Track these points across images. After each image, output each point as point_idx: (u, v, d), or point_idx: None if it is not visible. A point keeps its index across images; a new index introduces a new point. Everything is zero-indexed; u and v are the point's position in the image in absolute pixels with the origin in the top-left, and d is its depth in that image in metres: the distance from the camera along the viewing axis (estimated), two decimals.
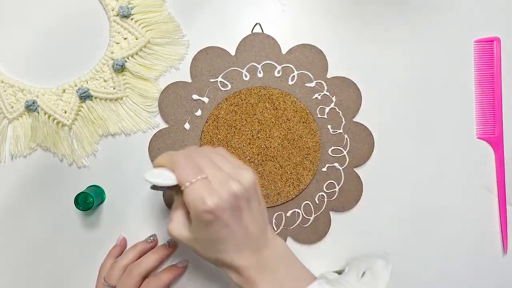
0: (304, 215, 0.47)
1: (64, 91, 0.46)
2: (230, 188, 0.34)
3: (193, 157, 0.36)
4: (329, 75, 0.47)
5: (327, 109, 0.47)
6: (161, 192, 0.47)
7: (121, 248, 0.47)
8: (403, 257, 0.47)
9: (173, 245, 0.47)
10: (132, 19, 0.46)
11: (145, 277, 0.44)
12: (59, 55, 0.47)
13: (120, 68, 0.46)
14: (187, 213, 0.36)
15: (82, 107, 0.47)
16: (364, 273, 0.39)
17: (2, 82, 0.47)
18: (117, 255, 0.46)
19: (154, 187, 0.39)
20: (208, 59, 0.47)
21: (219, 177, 0.34)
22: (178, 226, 0.36)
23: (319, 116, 0.47)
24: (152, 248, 0.47)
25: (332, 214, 0.47)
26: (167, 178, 0.36)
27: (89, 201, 0.44)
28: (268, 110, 0.47)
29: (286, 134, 0.47)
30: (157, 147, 0.47)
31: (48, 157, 0.47)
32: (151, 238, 0.47)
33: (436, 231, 0.48)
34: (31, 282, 0.48)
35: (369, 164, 0.47)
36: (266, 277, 0.36)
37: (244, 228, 0.35)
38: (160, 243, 0.47)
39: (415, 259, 0.48)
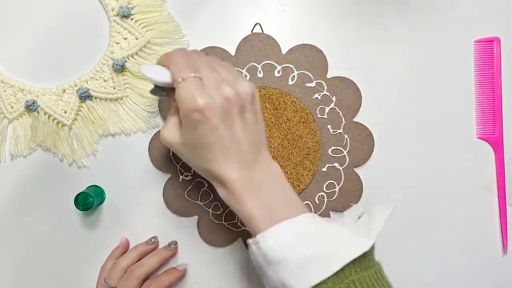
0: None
1: (64, 91, 0.46)
2: (223, 91, 0.33)
3: (191, 57, 0.35)
4: (329, 75, 0.47)
5: (327, 109, 0.47)
6: (160, 193, 0.47)
7: (123, 249, 0.47)
8: (403, 257, 0.47)
9: (174, 247, 0.46)
10: (132, 19, 0.46)
11: (145, 279, 0.44)
12: (59, 55, 0.47)
13: (120, 68, 0.46)
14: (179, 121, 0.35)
15: (82, 107, 0.47)
16: (361, 216, 0.37)
17: (2, 82, 0.47)
18: (118, 256, 0.46)
19: (153, 91, 0.37)
20: None
21: (214, 80, 0.33)
22: (170, 130, 0.36)
23: (319, 116, 0.47)
24: (153, 250, 0.46)
25: (332, 214, 0.47)
26: (162, 74, 0.35)
27: (89, 201, 0.44)
28: (268, 110, 0.47)
29: (286, 134, 0.47)
30: (157, 147, 0.47)
31: (48, 157, 0.47)
32: (152, 240, 0.47)
33: (436, 231, 0.48)
34: (31, 282, 0.48)
35: (369, 164, 0.47)
36: (253, 195, 0.34)
37: (233, 137, 0.34)
38: (161, 245, 0.47)
39: (415, 259, 0.48)
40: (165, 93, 0.37)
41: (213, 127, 0.33)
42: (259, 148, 0.36)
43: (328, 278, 0.31)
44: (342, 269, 0.31)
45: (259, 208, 0.34)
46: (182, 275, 0.47)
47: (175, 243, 0.47)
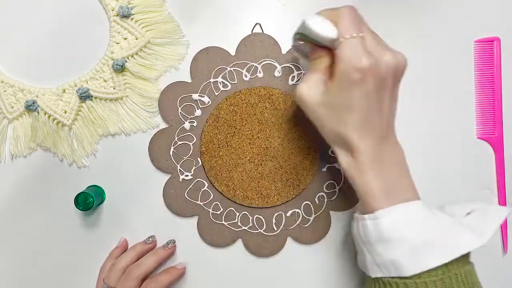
0: (304, 215, 0.47)
1: (64, 91, 0.46)
2: (386, 56, 0.33)
3: (358, 18, 0.34)
4: None
5: None
6: (160, 193, 0.47)
7: (122, 249, 0.47)
8: None
9: (172, 246, 0.47)
10: (132, 19, 0.46)
11: (144, 278, 0.44)
12: (59, 55, 0.47)
13: (120, 68, 0.46)
14: (324, 79, 0.35)
15: (82, 107, 0.47)
16: (469, 213, 0.37)
17: (2, 82, 0.47)
18: (117, 257, 0.46)
19: (298, 46, 0.37)
20: (208, 59, 0.47)
21: (377, 44, 0.33)
22: (310, 87, 0.35)
23: None
24: (151, 249, 0.46)
25: (332, 214, 0.47)
26: (328, 28, 0.34)
27: (89, 201, 0.44)
28: (268, 110, 0.47)
29: (286, 134, 0.47)
30: (157, 147, 0.47)
31: (48, 157, 0.47)
32: (150, 239, 0.47)
33: None
34: (31, 282, 0.48)
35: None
36: (377, 171, 0.34)
37: (379, 108, 0.34)
38: (159, 243, 0.47)
39: None
40: (309, 52, 0.36)
41: (367, 91, 0.32)
42: (392, 127, 0.36)
43: (440, 266, 0.32)
44: (451, 260, 0.33)
45: (380, 185, 0.34)
46: (181, 274, 0.47)
47: (173, 241, 0.47)
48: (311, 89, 0.35)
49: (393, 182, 0.35)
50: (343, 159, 0.35)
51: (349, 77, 0.32)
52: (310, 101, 0.35)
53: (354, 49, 0.32)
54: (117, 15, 0.46)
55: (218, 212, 0.47)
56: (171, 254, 0.47)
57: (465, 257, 0.34)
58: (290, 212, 0.47)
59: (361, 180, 0.34)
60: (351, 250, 0.48)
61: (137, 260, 0.45)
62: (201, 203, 0.47)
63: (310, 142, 0.47)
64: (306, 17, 0.35)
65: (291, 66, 0.47)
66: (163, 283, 0.44)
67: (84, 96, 0.46)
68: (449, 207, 0.37)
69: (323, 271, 0.48)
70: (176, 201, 0.47)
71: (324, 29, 0.34)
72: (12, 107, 0.47)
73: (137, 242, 0.47)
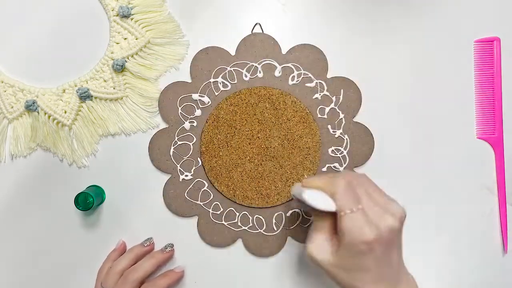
0: (304, 215, 0.47)
1: (64, 91, 0.46)
2: (387, 222, 0.34)
3: (353, 186, 0.36)
4: (329, 75, 0.47)
5: (327, 109, 0.47)
6: (160, 193, 0.47)
7: (120, 252, 0.46)
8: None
9: (170, 250, 0.46)
10: (132, 19, 0.46)
11: (142, 282, 0.44)
12: (59, 55, 0.47)
13: (120, 68, 0.46)
14: (329, 238, 0.36)
15: (82, 107, 0.47)
16: None
17: (2, 82, 0.47)
18: (115, 259, 0.46)
19: (299, 201, 0.38)
20: (208, 59, 0.47)
21: (375, 210, 0.35)
22: (319, 249, 0.37)
23: (319, 116, 0.47)
24: (148, 252, 0.46)
25: None
26: (325, 202, 0.36)
27: (89, 201, 0.44)
28: (268, 110, 0.47)
29: (286, 134, 0.47)
30: (157, 147, 0.47)
31: (48, 157, 0.47)
32: (148, 242, 0.46)
33: (436, 230, 0.48)
34: (30, 282, 0.48)
35: (369, 164, 0.47)
36: None
37: (389, 262, 0.35)
38: (159, 243, 0.47)
39: (415, 259, 0.48)
40: (312, 210, 0.37)
41: (375, 256, 0.34)
42: (402, 266, 0.37)
43: None
44: None
45: None
46: (179, 278, 0.46)
47: (171, 245, 0.47)
48: (320, 251, 0.37)
49: None
50: None
51: (356, 248, 0.34)
52: (321, 261, 0.36)
53: (356, 224, 0.34)
54: (117, 15, 0.46)
55: (218, 212, 0.47)
56: (169, 258, 0.47)
57: None
58: (290, 212, 0.47)
59: None
60: None
61: (135, 263, 0.45)
62: (201, 203, 0.47)
63: (310, 142, 0.47)
64: (301, 189, 0.37)
65: (291, 66, 0.47)
66: (161, 286, 0.44)
67: (84, 96, 0.46)
68: None
69: (323, 271, 0.48)
70: (176, 201, 0.47)
71: (321, 204, 0.36)
72: (12, 107, 0.47)
73: (135, 245, 0.47)
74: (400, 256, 0.37)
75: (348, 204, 0.35)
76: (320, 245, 0.37)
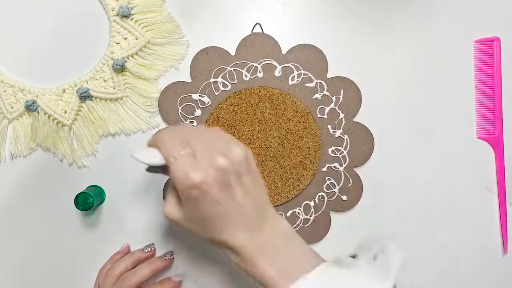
0: (304, 215, 0.47)
1: (64, 91, 0.46)
2: (216, 162, 0.33)
3: (180, 133, 0.35)
4: (329, 75, 0.47)
5: (327, 109, 0.47)
6: (161, 193, 0.47)
7: (123, 255, 0.46)
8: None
9: (169, 259, 0.46)
10: (132, 19, 0.46)
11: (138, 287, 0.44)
12: (59, 55, 0.47)
13: (120, 68, 0.46)
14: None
15: (82, 107, 0.47)
16: (375, 256, 0.36)
17: (2, 82, 0.47)
18: (116, 261, 0.45)
19: (150, 169, 0.38)
20: (208, 59, 0.47)
21: (206, 153, 0.33)
22: (171, 207, 0.36)
23: (319, 116, 0.47)
24: (149, 258, 0.46)
25: (332, 214, 0.47)
26: (154, 156, 0.35)
27: (89, 201, 0.44)
28: (268, 110, 0.47)
29: (286, 134, 0.47)
30: None
31: (48, 157, 0.47)
32: (149, 248, 0.46)
33: (436, 231, 0.48)
34: (30, 282, 0.48)
35: (369, 164, 0.47)
36: (266, 257, 0.34)
37: (237, 205, 0.33)
38: (159, 243, 0.47)
39: (415, 259, 0.48)
40: (160, 170, 0.37)
41: (213, 200, 0.33)
42: (263, 209, 0.36)
43: None
44: None
45: (274, 269, 0.33)
46: (175, 287, 0.46)
47: (171, 253, 0.46)
48: (172, 209, 0.35)
49: (286, 260, 0.34)
50: (232, 258, 0.35)
51: (188, 196, 0.33)
52: (176, 220, 0.36)
53: (181, 170, 0.33)
54: (117, 15, 0.46)
55: None
56: (168, 266, 0.46)
57: None
58: (290, 212, 0.47)
59: (255, 270, 0.34)
60: (351, 250, 0.48)
61: (134, 268, 0.45)
62: None
63: (310, 142, 0.47)
64: (132, 151, 0.36)
65: (291, 66, 0.47)
66: None
67: (84, 96, 0.46)
68: (358, 252, 0.37)
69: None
70: None
71: (150, 159, 0.35)
72: (12, 107, 0.47)
73: (136, 249, 0.47)
74: (252, 199, 0.34)
75: (172, 151, 0.33)
76: (172, 203, 0.35)
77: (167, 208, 0.36)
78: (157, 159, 0.35)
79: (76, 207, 0.44)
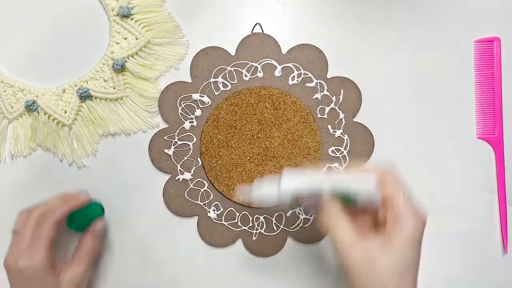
0: (304, 215, 0.47)
1: (64, 91, 0.46)
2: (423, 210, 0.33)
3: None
4: (329, 75, 0.47)
5: (327, 109, 0.47)
6: (160, 193, 0.47)
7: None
8: None
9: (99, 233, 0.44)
10: (132, 19, 0.46)
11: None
12: (59, 55, 0.47)
13: (120, 68, 0.46)
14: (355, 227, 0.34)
15: (82, 107, 0.47)
16: None
17: (2, 82, 0.47)
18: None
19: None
20: (208, 59, 0.47)
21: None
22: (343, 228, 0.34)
23: (319, 116, 0.47)
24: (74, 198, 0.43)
25: None
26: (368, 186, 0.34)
27: (83, 222, 0.44)
28: (268, 110, 0.47)
29: (286, 134, 0.47)
30: (157, 147, 0.47)
31: (48, 157, 0.47)
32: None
33: (436, 231, 0.48)
34: None
35: (369, 164, 0.47)
36: None
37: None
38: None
39: None
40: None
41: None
42: None
43: None
44: None
45: None
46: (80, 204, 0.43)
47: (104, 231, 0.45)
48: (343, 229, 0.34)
49: None
50: None
51: (416, 235, 0.33)
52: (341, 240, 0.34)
53: (407, 208, 0.33)
54: (117, 15, 0.46)
55: (218, 212, 0.47)
56: (83, 202, 0.43)
57: None
58: (290, 212, 0.47)
59: None
60: None
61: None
62: (201, 203, 0.47)
63: (310, 142, 0.47)
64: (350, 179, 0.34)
65: (291, 66, 0.47)
66: (58, 211, 0.41)
67: (84, 96, 0.46)
68: None
69: (323, 271, 0.48)
70: (176, 201, 0.47)
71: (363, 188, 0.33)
72: (12, 107, 0.47)
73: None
74: None
75: (396, 190, 0.33)
76: (347, 226, 0.33)
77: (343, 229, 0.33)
78: (370, 190, 0.33)
79: (69, 227, 0.44)
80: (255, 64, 0.47)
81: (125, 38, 0.47)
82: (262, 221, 0.47)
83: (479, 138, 0.48)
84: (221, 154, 0.47)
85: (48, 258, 0.40)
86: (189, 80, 0.47)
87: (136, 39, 0.46)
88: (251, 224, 0.47)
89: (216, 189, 0.47)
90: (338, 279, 0.48)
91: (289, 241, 0.47)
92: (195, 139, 0.47)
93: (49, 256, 0.40)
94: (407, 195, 0.33)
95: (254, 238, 0.47)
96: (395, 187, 0.33)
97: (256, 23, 0.47)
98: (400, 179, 0.34)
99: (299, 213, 0.47)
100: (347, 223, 0.33)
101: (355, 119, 0.47)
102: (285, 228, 0.47)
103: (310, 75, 0.47)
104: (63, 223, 0.43)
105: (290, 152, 0.47)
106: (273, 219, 0.47)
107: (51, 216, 0.41)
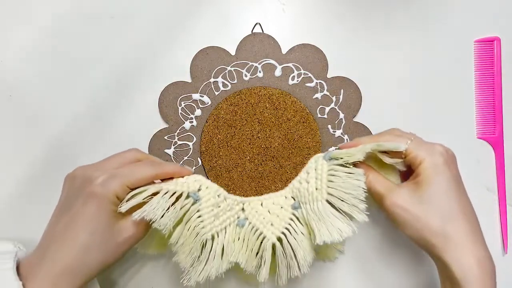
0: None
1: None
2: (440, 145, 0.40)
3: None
4: (329, 75, 0.47)
5: (327, 109, 0.47)
6: None
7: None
8: (402, 256, 0.47)
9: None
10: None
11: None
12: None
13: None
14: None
15: None
16: None
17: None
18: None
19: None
20: (208, 59, 0.47)
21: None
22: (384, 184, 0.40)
23: (319, 116, 0.47)
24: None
25: None
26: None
27: None
28: (268, 110, 0.47)
29: (286, 134, 0.47)
30: (157, 147, 0.47)
31: (49, 157, 0.47)
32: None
33: None
34: None
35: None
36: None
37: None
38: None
39: (414, 259, 0.48)
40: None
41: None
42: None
43: None
44: None
45: None
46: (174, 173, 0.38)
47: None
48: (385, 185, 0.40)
49: None
50: None
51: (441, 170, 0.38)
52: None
53: (423, 145, 0.39)
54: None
55: None
56: (183, 173, 0.38)
57: None
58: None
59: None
60: (351, 249, 0.48)
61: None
62: None
63: (310, 142, 0.47)
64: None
65: (291, 66, 0.47)
66: (134, 176, 0.35)
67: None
68: None
69: (322, 271, 0.48)
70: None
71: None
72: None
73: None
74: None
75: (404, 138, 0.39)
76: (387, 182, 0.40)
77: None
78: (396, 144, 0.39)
79: None
80: (255, 64, 0.47)
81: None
82: None
83: (479, 138, 0.48)
84: (221, 154, 0.47)
85: (118, 195, 0.34)
86: (189, 80, 0.47)
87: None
88: None
89: None
90: (338, 279, 0.48)
91: None
92: (195, 139, 0.47)
93: (121, 195, 0.34)
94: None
95: None
96: (421, 147, 0.38)
97: (256, 23, 0.47)
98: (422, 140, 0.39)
99: None
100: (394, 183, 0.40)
101: (355, 119, 0.47)
102: None
103: (310, 75, 0.47)
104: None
105: (290, 152, 0.47)
106: None
107: (144, 170, 0.36)
